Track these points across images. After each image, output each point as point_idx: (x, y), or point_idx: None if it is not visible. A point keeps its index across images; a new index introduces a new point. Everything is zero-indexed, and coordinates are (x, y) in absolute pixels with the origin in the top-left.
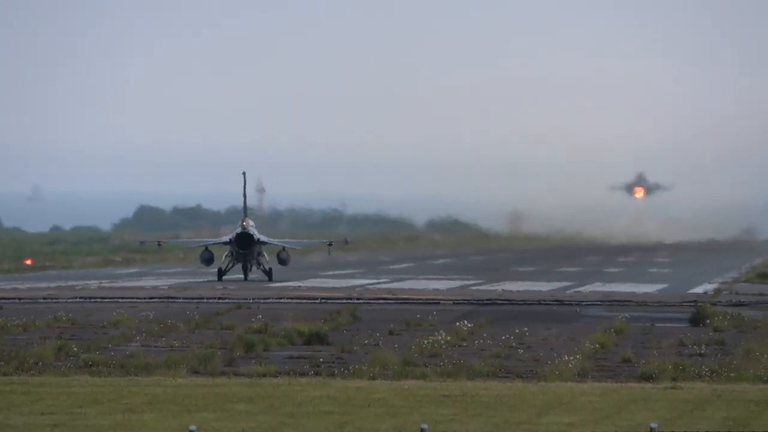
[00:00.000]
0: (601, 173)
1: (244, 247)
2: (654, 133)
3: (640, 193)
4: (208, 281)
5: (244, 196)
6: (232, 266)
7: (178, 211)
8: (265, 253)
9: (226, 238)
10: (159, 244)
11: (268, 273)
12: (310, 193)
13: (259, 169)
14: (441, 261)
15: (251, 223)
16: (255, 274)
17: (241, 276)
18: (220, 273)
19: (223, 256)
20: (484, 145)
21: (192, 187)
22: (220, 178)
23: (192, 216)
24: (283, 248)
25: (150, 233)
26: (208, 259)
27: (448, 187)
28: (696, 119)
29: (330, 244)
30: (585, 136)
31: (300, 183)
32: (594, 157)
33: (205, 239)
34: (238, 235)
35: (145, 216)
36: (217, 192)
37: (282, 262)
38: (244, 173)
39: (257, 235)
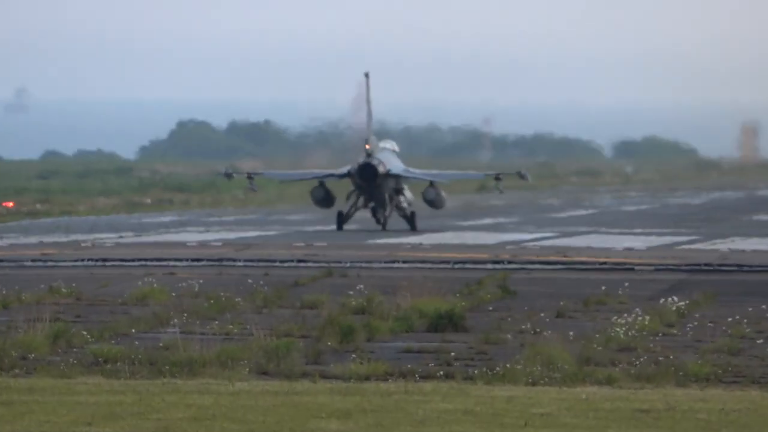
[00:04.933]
0: None
1: (369, 182)
2: None
3: None
4: (281, 234)
5: (369, 107)
6: (357, 210)
7: (236, 128)
8: (407, 189)
9: (344, 170)
10: (249, 178)
11: (410, 219)
12: (434, 106)
13: (357, 68)
14: (634, 206)
15: (384, 145)
16: (394, 220)
17: (366, 225)
18: (341, 218)
19: (347, 195)
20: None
21: (254, 94)
22: (298, 81)
23: (257, 136)
24: (431, 183)
25: (195, 161)
26: (323, 197)
27: (646, 91)
28: None
29: (497, 178)
30: None
31: (417, 91)
32: None
33: (315, 170)
34: (361, 167)
35: (187, 136)
36: (290, 102)
37: (431, 203)
38: (366, 74)
39: (390, 164)
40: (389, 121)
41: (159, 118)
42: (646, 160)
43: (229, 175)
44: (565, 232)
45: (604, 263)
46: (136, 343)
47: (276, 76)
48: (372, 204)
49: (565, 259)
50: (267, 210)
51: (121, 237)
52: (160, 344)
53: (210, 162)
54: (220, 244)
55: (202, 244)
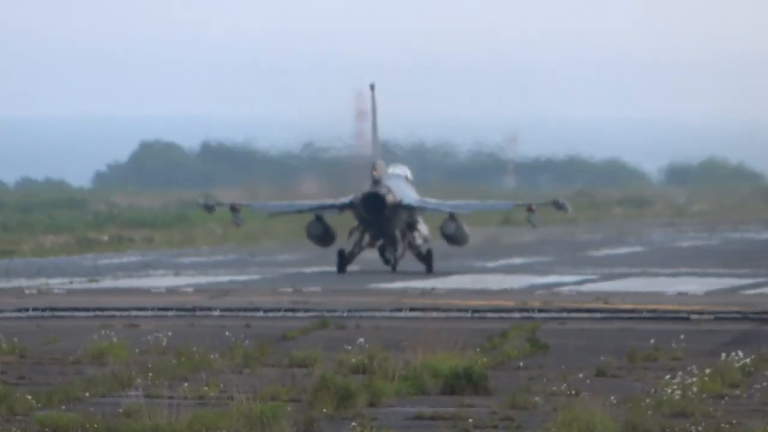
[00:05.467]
0: None
1: (377, 215)
2: None
3: None
4: (266, 279)
5: (374, 125)
6: (362, 249)
7: (211, 150)
8: (422, 223)
9: (346, 200)
10: (234, 210)
11: (426, 258)
12: (448, 122)
13: (355, 78)
14: (689, 242)
15: (394, 170)
16: (407, 260)
17: (372, 266)
18: (342, 258)
19: (350, 231)
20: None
21: (231, 110)
22: (284, 94)
23: (235, 160)
24: (451, 215)
25: (161, 190)
26: (321, 234)
27: (703, 104)
28: None
29: (530, 209)
30: None
31: (427, 104)
32: None
33: (311, 202)
34: (367, 196)
35: (151, 160)
36: (274, 119)
37: (452, 239)
38: (372, 86)
39: (401, 193)
40: (394, 139)
41: (118, 138)
42: (703, 187)
43: (209, 208)
44: (606, 273)
45: (654, 311)
46: (92, 409)
47: (257, 88)
48: (380, 241)
49: (606, 306)
50: (249, 248)
51: (72, 282)
52: (121, 410)
53: (179, 191)
54: (191, 290)
55: (171, 291)
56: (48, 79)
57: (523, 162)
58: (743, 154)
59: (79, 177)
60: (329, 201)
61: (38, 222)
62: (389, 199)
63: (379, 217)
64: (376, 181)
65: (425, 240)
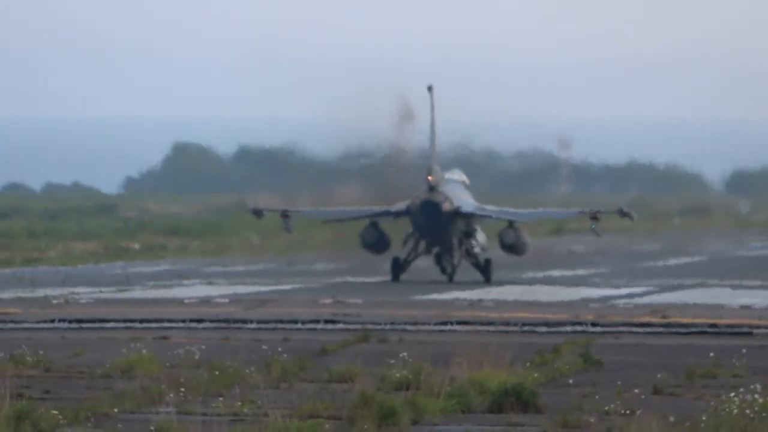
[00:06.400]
0: None
1: (433, 222)
2: None
3: None
4: (304, 288)
5: (432, 129)
6: (417, 256)
7: (247, 155)
8: (479, 231)
9: (401, 206)
10: (285, 216)
11: (484, 268)
12: (494, 124)
13: (397, 80)
14: (753, 253)
15: (451, 176)
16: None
17: (427, 275)
18: (397, 267)
19: (404, 239)
20: None
21: (268, 112)
22: (324, 97)
23: (274, 164)
24: (510, 224)
25: (195, 195)
26: (376, 240)
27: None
28: None
29: (594, 217)
30: None
31: (472, 106)
32: None
33: (365, 208)
34: (423, 203)
35: (185, 164)
36: (314, 123)
37: (511, 248)
38: (430, 88)
39: (458, 199)
40: (439, 144)
41: (150, 141)
42: (766, 196)
43: (258, 213)
44: (664, 285)
45: (714, 325)
46: (120, 426)
47: (295, 90)
48: (436, 249)
49: (664, 320)
50: (287, 257)
51: (101, 292)
52: (151, 428)
53: (214, 197)
54: (226, 300)
55: (204, 301)
56: (78, 79)
57: (577, 168)
58: None
59: (109, 183)
60: (384, 208)
61: (66, 229)
62: (446, 206)
63: (435, 224)
64: (432, 188)
65: (483, 248)
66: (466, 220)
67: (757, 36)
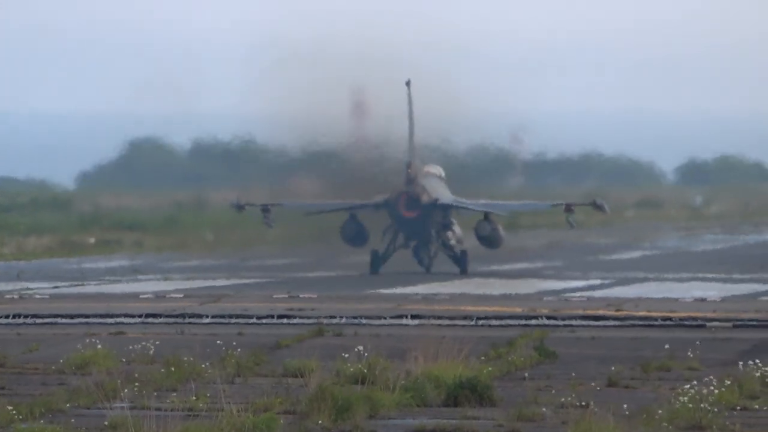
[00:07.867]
0: None
1: (412, 214)
2: None
3: None
4: (259, 283)
5: (411, 122)
6: (395, 249)
7: (203, 149)
8: (455, 225)
9: (380, 199)
10: (265, 211)
11: (460, 260)
12: (444, 116)
13: (359, 72)
14: (706, 246)
15: (429, 170)
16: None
17: (402, 266)
18: (376, 260)
19: (383, 232)
20: None
21: (223, 106)
22: (282, 88)
23: (230, 158)
24: (486, 216)
25: (150, 190)
26: (355, 234)
27: (721, 97)
28: None
29: (568, 209)
30: None
31: (422, 97)
32: None
33: (345, 201)
34: (401, 195)
35: (140, 159)
36: (272, 115)
37: (487, 240)
38: (407, 83)
39: (436, 192)
40: (382, 135)
41: (104, 136)
42: (721, 187)
43: (240, 207)
44: (619, 279)
45: (668, 319)
46: (74, 421)
47: (252, 81)
48: (414, 242)
49: (618, 313)
50: (242, 252)
51: (56, 287)
52: (105, 423)
53: (169, 192)
54: (181, 295)
55: (159, 296)
56: (30, 71)
57: (531, 160)
58: (763, 151)
59: (63, 177)
60: (363, 201)
61: (19, 223)
62: (424, 198)
63: (414, 216)
64: (411, 180)
65: (459, 241)
66: (443, 212)
67: (708, 27)
